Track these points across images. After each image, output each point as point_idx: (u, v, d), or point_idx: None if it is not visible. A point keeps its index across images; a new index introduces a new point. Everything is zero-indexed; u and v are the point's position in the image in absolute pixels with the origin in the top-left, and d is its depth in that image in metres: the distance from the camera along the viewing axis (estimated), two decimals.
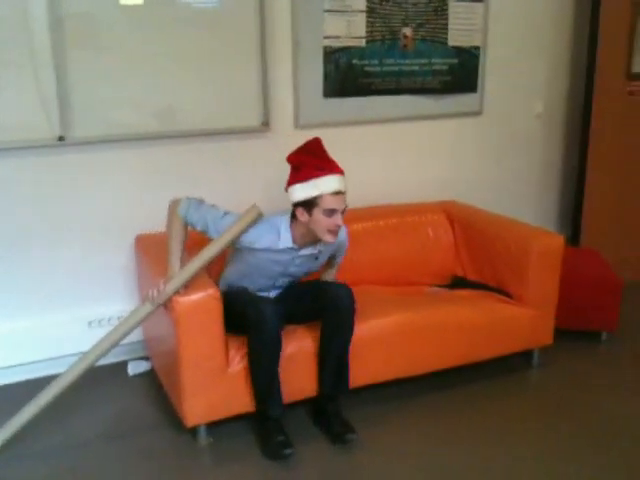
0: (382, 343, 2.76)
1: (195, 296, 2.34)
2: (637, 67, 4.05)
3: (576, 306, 3.42)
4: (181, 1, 2.97)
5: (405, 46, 3.55)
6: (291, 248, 2.53)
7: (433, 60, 3.63)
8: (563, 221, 4.46)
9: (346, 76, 3.42)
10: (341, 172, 2.45)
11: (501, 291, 3.18)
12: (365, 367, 2.73)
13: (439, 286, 3.41)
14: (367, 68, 3.47)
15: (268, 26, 3.17)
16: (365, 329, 2.69)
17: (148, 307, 2.42)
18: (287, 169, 3.25)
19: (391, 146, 3.70)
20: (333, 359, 2.59)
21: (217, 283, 2.60)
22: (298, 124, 3.37)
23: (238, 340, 2.53)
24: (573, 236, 4.18)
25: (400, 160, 3.73)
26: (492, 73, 3.89)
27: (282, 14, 3.22)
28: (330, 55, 3.35)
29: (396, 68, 3.56)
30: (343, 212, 2.44)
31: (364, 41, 3.42)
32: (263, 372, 2.47)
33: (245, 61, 3.16)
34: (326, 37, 3.32)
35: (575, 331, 3.50)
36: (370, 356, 2.73)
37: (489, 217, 3.46)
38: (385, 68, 3.53)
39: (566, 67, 4.20)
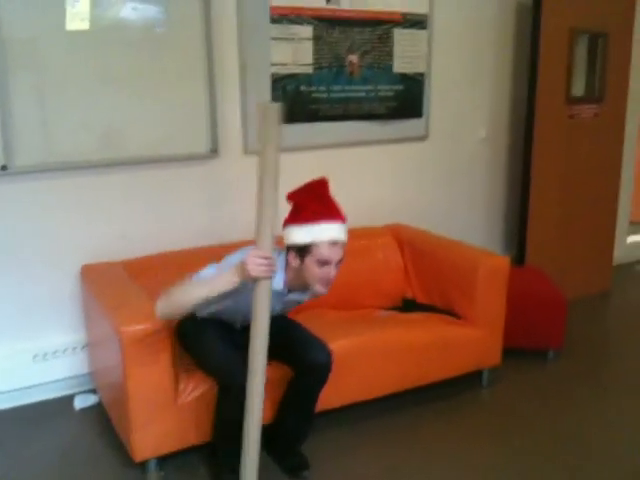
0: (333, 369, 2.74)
1: (142, 326, 2.29)
2: (576, 91, 4.20)
3: (523, 325, 3.49)
4: (127, 26, 2.95)
5: (352, 73, 3.60)
6: (280, 292, 2.32)
7: (379, 86, 3.69)
8: (508, 241, 4.57)
9: (294, 102, 3.45)
10: (342, 220, 2.25)
11: (450, 313, 3.23)
12: None
13: (390, 309, 3.44)
14: (315, 94, 3.51)
15: (216, 52, 3.18)
16: None
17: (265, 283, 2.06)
18: (235, 195, 3.27)
19: (340, 171, 3.72)
20: (298, 410, 2.53)
21: None
22: (247, 150, 3.37)
23: (188, 371, 2.49)
24: (518, 256, 4.27)
25: (349, 185, 3.76)
26: (437, 99, 3.98)
27: (229, 41, 3.23)
28: (278, 82, 3.37)
29: (343, 94, 3.60)
30: (339, 263, 2.25)
31: (311, 68, 3.46)
32: (228, 429, 2.35)
33: (192, 88, 3.16)
34: (273, 64, 3.35)
35: (523, 349, 3.56)
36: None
37: (437, 240, 3.51)
38: (333, 94, 3.57)
39: (509, 92, 4.33)
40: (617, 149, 4.48)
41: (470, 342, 3.11)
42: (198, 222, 3.32)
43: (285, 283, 2.32)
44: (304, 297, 2.45)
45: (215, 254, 3.07)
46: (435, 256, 3.36)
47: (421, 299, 3.46)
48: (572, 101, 4.15)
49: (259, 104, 1.80)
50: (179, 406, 2.44)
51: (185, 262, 2.90)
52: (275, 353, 2.32)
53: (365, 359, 2.83)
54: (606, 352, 3.77)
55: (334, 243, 2.21)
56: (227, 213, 3.37)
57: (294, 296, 2.41)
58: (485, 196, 4.41)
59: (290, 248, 2.24)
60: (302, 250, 2.21)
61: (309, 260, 2.20)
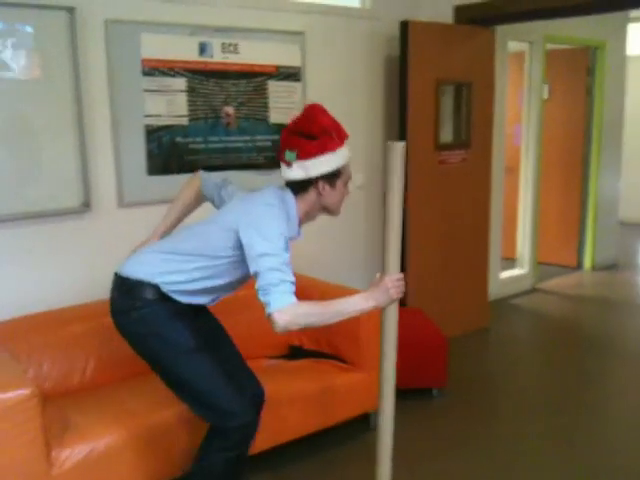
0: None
1: (5, 395, 2.12)
2: (444, 138, 4.44)
3: (407, 365, 3.54)
4: None
5: (228, 124, 3.62)
6: (297, 234, 2.28)
7: (256, 137, 3.73)
8: None
9: (170, 154, 3.41)
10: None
11: (337, 357, 3.25)
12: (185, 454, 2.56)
13: (277, 357, 3.41)
14: (192, 145, 3.49)
15: (86, 104, 3.11)
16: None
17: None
18: (110, 250, 3.16)
19: None
20: None
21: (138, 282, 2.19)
22: (122, 203, 3.29)
23: (58, 436, 2.34)
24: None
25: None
26: None
27: (100, 93, 3.17)
28: (152, 133, 3.33)
29: (221, 145, 3.61)
30: None
31: (187, 119, 3.45)
32: None
33: (62, 141, 3.06)
34: (147, 115, 3.31)
35: (408, 390, 3.63)
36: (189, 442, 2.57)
37: (322, 286, 3.53)
38: (210, 145, 3.57)
39: (382, 140, 4.50)
40: (485, 190, 4.74)
41: (356, 385, 3.13)
42: (72, 279, 3.17)
43: (298, 223, 2.26)
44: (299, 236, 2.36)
45: (92, 312, 2.98)
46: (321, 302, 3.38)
47: (308, 345, 3.45)
48: (441, 147, 4.37)
49: (389, 143, 1.96)
50: (53, 478, 2.27)
51: (58, 323, 2.76)
52: None
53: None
54: (487, 386, 3.91)
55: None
56: (101, 268, 3.25)
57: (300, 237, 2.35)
58: (366, 242, 4.52)
59: (320, 178, 2.16)
60: (333, 175, 2.17)
61: (339, 183, 2.20)
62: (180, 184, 3.38)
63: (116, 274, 2.28)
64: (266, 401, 2.56)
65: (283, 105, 3.83)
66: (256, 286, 2.02)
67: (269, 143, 3.79)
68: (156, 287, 2.18)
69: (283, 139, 2.19)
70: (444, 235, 4.50)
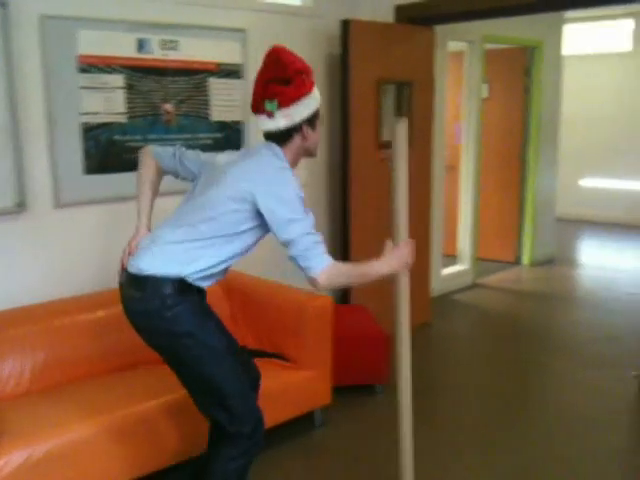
0: (121, 438, 2.57)
1: None
2: (385, 137, 4.47)
3: (350, 362, 3.59)
4: None
5: (168, 121, 3.57)
6: None
7: (198, 135, 3.69)
8: None
9: (108, 152, 3.34)
10: None
11: (281, 356, 3.25)
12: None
13: None
14: (130, 143, 3.42)
15: (19, 101, 3.01)
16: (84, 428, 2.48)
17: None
18: (46, 252, 3.07)
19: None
20: None
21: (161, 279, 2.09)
22: (59, 203, 3.20)
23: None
24: (343, 295, 4.41)
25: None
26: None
27: (34, 91, 3.08)
28: (89, 131, 3.26)
29: (160, 143, 3.54)
30: None
31: (125, 117, 3.38)
32: None
33: None
34: (84, 113, 3.23)
35: (352, 386, 3.66)
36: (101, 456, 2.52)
37: (265, 285, 3.54)
38: (150, 143, 3.50)
39: (325, 139, 4.51)
40: (426, 188, 4.81)
41: (300, 384, 3.14)
42: (7, 286, 3.08)
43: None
44: None
45: (28, 315, 2.90)
46: (263, 301, 3.39)
47: (252, 345, 3.44)
48: (383, 145, 4.41)
49: (394, 119, 2.15)
50: None
51: None
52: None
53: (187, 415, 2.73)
54: (429, 381, 3.97)
55: None
56: (36, 270, 3.17)
57: None
58: None
59: (303, 122, 2.13)
60: (314, 117, 2.16)
61: (317, 122, 2.18)
62: (120, 183, 3.39)
63: (131, 273, 2.15)
64: None
65: (225, 103, 3.80)
66: (291, 253, 2.04)
67: (210, 141, 3.75)
68: (181, 280, 2.10)
69: (258, 90, 2.13)
70: (386, 233, 4.52)
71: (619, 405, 3.63)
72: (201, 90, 3.68)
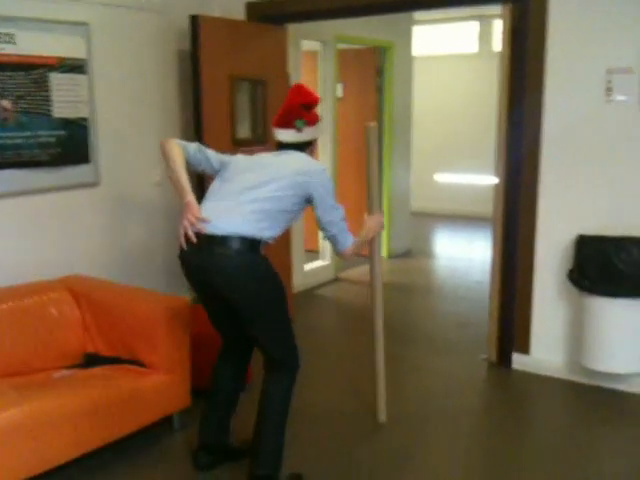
0: None
1: None
2: (241, 134, 4.46)
3: (210, 363, 3.53)
4: None
5: (6, 119, 3.34)
6: None
7: (38, 132, 3.48)
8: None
9: None
10: None
11: (136, 362, 3.15)
12: None
13: (71, 367, 3.22)
14: None
15: None
16: None
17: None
18: None
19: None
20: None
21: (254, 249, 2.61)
22: None
23: None
24: None
25: (10, 238, 3.47)
26: (106, 144, 3.90)
27: None
28: None
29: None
30: None
31: None
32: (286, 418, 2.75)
33: None
34: None
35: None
36: None
37: (116, 289, 3.42)
38: None
39: (178, 136, 4.40)
40: None
41: (157, 388, 3.05)
42: None
43: None
44: None
45: None
46: (115, 305, 3.27)
47: (105, 352, 3.31)
48: (238, 143, 4.38)
49: (366, 125, 3.06)
50: None
51: None
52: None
53: (39, 428, 2.59)
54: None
55: None
56: None
57: None
58: (166, 240, 4.42)
59: (315, 140, 2.87)
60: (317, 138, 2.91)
61: (315, 143, 2.91)
62: None
63: (220, 235, 2.55)
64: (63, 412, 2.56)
65: (68, 99, 3.62)
66: (331, 232, 2.73)
67: (54, 139, 3.56)
68: (260, 241, 2.62)
69: (293, 112, 2.77)
70: None
71: (470, 388, 3.85)
72: (41, 86, 3.48)
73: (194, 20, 4.05)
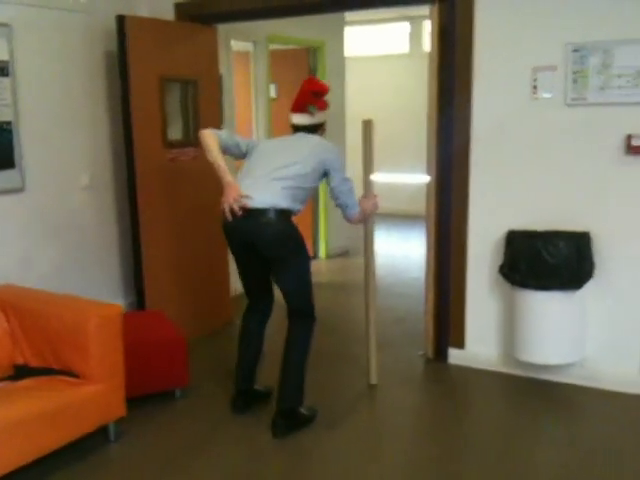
0: None
1: None
2: (173, 136, 4.38)
3: (146, 370, 3.47)
4: None
5: None
6: None
7: None
8: (127, 287, 4.53)
9: None
10: None
11: (67, 372, 3.05)
12: None
13: (0, 380, 3.10)
14: None
15: None
16: None
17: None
18: None
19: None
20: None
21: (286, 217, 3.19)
22: None
23: None
24: (139, 301, 4.26)
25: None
26: (32, 147, 3.78)
27: None
28: None
29: None
30: None
31: None
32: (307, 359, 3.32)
33: None
34: None
35: (151, 394, 3.54)
36: None
37: (44, 297, 3.32)
38: None
39: (108, 138, 4.32)
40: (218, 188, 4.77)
41: (89, 399, 2.97)
42: None
43: None
44: None
45: None
46: (43, 315, 3.16)
47: (35, 363, 3.20)
48: (170, 145, 4.31)
49: (363, 120, 3.57)
50: None
51: None
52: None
53: None
54: (229, 381, 3.95)
55: None
56: None
57: None
58: (98, 245, 4.31)
59: (325, 122, 3.43)
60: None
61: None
62: None
63: (261, 208, 3.09)
64: None
65: None
66: (342, 199, 3.35)
67: None
68: (291, 211, 3.18)
69: (305, 98, 3.31)
70: (180, 234, 4.44)
71: (408, 383, 3.90)
72: None
73: (121, 20, 3.95)
